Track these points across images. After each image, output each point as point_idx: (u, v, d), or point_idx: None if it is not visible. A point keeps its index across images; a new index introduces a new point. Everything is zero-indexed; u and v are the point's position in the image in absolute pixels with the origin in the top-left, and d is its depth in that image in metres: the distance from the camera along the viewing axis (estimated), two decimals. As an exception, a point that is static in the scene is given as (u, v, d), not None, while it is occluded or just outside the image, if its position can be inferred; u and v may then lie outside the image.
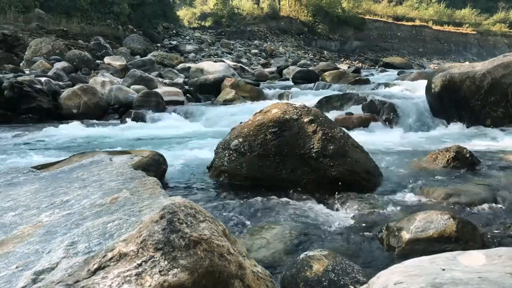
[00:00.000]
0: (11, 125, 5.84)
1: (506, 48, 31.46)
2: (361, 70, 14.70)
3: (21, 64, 10.97)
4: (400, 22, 33.14)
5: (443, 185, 2.61)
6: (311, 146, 2.69)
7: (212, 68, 10.46)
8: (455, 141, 4.20)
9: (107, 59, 11.61)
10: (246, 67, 13.74)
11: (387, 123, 5.25)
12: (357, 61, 25.07)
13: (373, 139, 4.45)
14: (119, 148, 3.84)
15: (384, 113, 5.37)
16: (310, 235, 1.98)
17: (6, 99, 6.14)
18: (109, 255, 0.98)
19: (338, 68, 12.78)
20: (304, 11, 28.22)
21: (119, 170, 1.84)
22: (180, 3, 31.57)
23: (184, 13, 30.77)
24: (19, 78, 6.92)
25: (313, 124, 2.76)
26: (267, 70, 13.88)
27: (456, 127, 4.84)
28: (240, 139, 2.84)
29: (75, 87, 6.87)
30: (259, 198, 2.49)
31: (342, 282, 1.38)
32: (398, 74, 12.15)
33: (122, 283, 0.91)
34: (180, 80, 9.96)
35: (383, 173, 2.94)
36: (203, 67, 10.56)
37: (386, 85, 8.14)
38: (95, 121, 6.39)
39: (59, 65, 9.61)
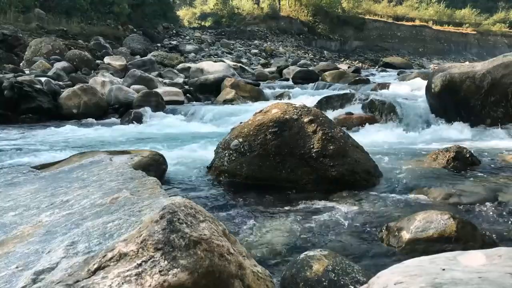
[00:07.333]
0: (11, 125, 5.84)
1: (506, 48, 31.39)
2: (361, 70, 14.72)
3: (21, 64, 10.98)
4: (400, 22, 33.11)
5: (443, 185, 2.61)
6: (311, 146, 2.69)
7: (212, 68, 10.46)
8: (455, 141, 4.20)
9: (107, 59, 11.61)
10: (246, 67, 13.73)
11: (387, 123, 5.25)
12: (357, 61, 25.05)
13: (373, 139, 4.44)
14: (119, 148, 3.84)
15: (384, 113, 5.37)
16: (310, 235, 1.98)
17: (6, 99, 6.14)
18: (109, 255, 0.98)
19: (338, 68, 12.80)
20: (304, 11, 28.21)
21: (119, 170, 1.84)
22: (180, 3, 31.57)
23: (184, 13, 30.78)
24: (19, 78, 6.92)
25: (313, 124, 2.76)
26: (267, 70, 13.88)
27: (456, 127, 4.83)
28: (240, 139, 2.84)
29: (75, 87, 6.87)
30: (259, 198, 2.49)
31: (342, 282, 1.38)
32: (398, 74, 12.16)
33: (122, 283, 0.91)
34: (180, 80, 9.97)
35: (383, 173, 2.93)
36: (203, 67, 10.56)
37: (386, 85, 8.14)
38: (95, 121, 6.39)
39: (59, 65, 9.62)
